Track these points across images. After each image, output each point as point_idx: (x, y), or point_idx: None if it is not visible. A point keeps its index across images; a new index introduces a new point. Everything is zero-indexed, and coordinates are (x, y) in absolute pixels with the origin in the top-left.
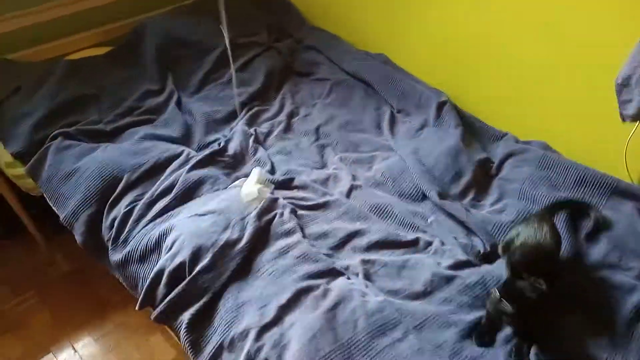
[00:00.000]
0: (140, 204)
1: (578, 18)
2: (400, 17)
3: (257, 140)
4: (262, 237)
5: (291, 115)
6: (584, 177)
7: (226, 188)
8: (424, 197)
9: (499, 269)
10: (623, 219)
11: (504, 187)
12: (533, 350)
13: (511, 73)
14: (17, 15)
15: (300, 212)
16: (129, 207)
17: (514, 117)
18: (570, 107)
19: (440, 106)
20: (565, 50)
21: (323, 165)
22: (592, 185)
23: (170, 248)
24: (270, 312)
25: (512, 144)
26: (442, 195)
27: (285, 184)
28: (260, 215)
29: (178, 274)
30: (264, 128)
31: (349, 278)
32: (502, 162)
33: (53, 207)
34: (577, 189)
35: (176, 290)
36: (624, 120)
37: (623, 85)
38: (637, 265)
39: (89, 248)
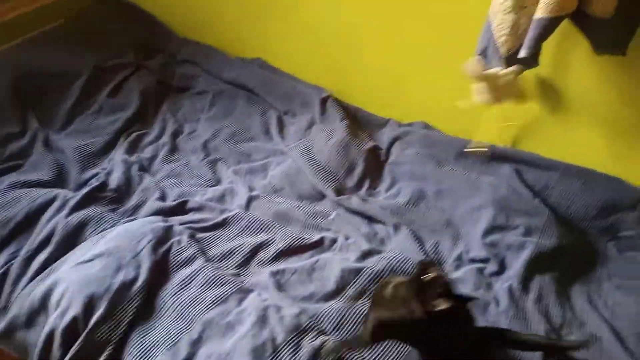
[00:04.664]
0: (17, 262)
1: None
2: (270, 17)
3: (141, 168)
4: (161, 271)
5: (175, 135)
6: (463, 149)
7: (113, 226)
8: (323, 195)
9: (404, 250)
10: (503, 182)
11: (395, 171)
12: None
13: (384, 60)
14: None
15: (199, 235)
16: (4, 268)
17: (394, 102)
18: (442, 84)
19: (324, 102)
20: (430, 29)
21: (217, 182)
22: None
23: (58, 305)
24: (182, 351)
25: (395, 129)
26: (339, 191)
27: (179, 209)
28: (154, 247)
29: (72, 331)
30: (147, 153)
31: (260, 294)
32: (389, 147)
33: None
34: (459, 161)
35: (72, 350)
36: None
37: (482, 57)
38: (523, 221)
39: None
